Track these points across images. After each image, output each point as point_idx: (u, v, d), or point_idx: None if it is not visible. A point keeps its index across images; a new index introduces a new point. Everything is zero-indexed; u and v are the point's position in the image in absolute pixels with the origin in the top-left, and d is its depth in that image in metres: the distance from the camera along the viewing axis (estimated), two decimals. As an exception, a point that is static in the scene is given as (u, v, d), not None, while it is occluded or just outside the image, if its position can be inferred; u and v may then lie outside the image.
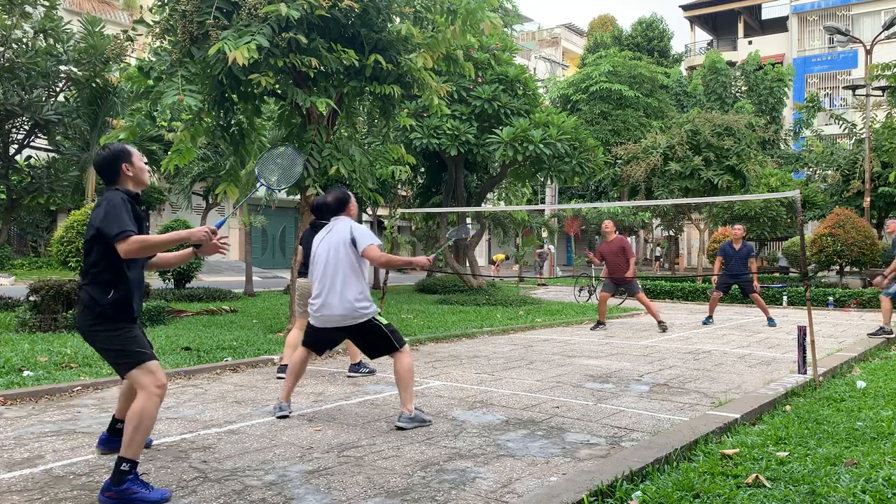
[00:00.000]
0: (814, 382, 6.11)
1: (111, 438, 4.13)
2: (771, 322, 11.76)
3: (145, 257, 3.74)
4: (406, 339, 8.98)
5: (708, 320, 12.18)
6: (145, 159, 16.63)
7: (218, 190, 10.62)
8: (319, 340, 5.15)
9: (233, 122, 9.43)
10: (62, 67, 12.56)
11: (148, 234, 3.62)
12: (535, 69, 46.50)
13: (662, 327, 11.13)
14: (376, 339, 4.98)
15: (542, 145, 14.32)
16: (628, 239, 15.24)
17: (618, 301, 16.90)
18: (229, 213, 3.70)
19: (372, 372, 6.85)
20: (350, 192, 5.29)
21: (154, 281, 16.80)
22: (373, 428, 4.76)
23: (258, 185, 4.79)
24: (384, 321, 5.01)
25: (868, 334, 9.94)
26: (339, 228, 5.06)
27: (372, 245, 4.94)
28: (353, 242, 4.95)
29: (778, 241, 31.87)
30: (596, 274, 19.40)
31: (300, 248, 6.99)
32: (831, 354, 7.86)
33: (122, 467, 3.39)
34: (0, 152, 12.74)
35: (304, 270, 6.59)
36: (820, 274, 19.78)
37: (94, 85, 12.57)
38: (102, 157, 3.75)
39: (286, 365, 6.42)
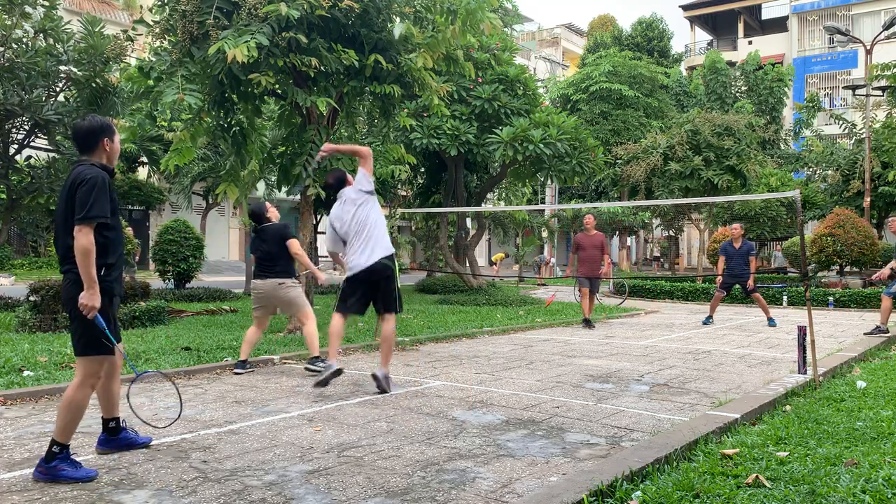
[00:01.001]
0: (814, 382, 6.11)
1: (109, 439, 4.14)
2: (771, 322, 11.77)
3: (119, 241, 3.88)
4: (406, 338, 9.03)
5: (708, 320, 12.17)
6: (144, 158, 16.59)
7: (218, 190, 10.62)
8: (357, 299, 5.94)
9: (233, 122, 9.43)
10: (62, 67, 12.54)
11: (118, 219, 3.84)
12: (535, 69, 46.51)
13: (588, 325, 11.48)
14: (392, 286, 5.90)
15: (542, 145, 14.32)
16: (629, 240, 15.21)
17: (618, 301, 16.91)
18: (113, 339, 3.35)
19: (333, 369, 6.95)
20: (341, 171, 6.31)
21: (154, 281, 16.80)
22: (373, 428, 4.76)
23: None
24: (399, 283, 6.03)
25: (864, 333, 9.95)
26: (348, 195, 6.01)
27: (360, 170, 5.98)
28: (359, 185, 5.94)
29: (778, 241, 31.88)
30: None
31: (252, 256, 7.24)
32: (831, 354, 7.86)
33: (52, 449, 3.66)
34: (0, 152, 12.74)
35: (257, 272, 7.03)
36: (820, 274, 19.78)
37: (94, 85, 12.56)
38: (87, 126, 3.82)
39: (245, 360, 6.87)
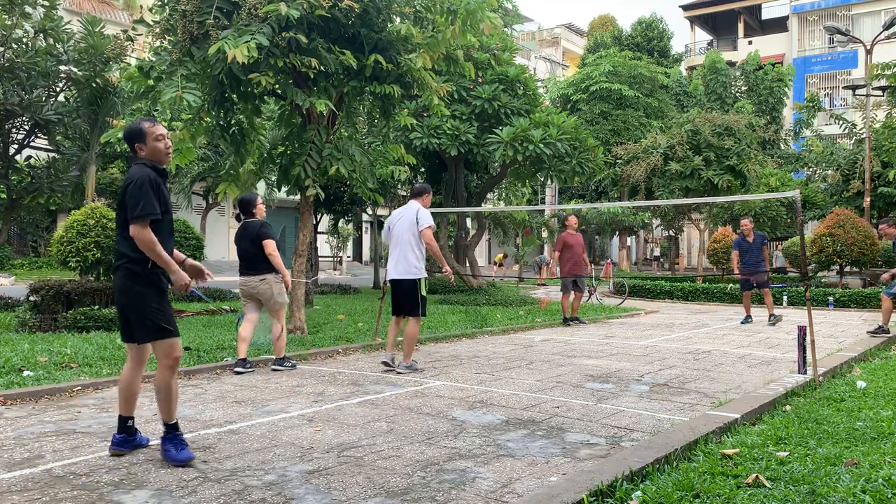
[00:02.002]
0: (814, 382, 6.11)
1: (127, 440, 4.12)
2: (772, 319, 11.91)
3: (168, 237, 4.03)
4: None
5: (747, 319, 12.35)
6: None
7: (218, 190, 10.61)
8: (396, 302, 7.03)
9: (233, 122, 9.43)
10: (62, 67, 12.54)
11: (169, 216, 4.06)
12: (535, 69, 46.50)
13: (566, 323, 11.95)
14: (410, 298, 6.85)
15: (542, 145, 14.32)
16: (628, 239, 15.30)
17: (618, 301, 16.91)
18: (211, 301, 4.02)
19: (294, 366, 7.16)
20: (428, 185, 7.22)
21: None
22: (373, 428, 4.76)
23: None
24: (424, 293, 6.88)
25: (868, 332, 9.96)
26: (409, 209, 6.91)
27: (426, 228, 6.82)
28: (417, 221, 6.82)
29: (778, 241, 31.87)
30: (596, 274, 19.39)
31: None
32: (831, 354, 7.86)
33: (165, 429, 4.00)
34: (0, 152, 12.74)
35: (240, 269, 7.08)
36: (820, 274, 19.77)
37: (94, 85, 12.56)
38: (125, 133, 4.10)
39: (244, 359, 6.91)
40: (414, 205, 6.95)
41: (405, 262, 6.81)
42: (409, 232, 6.83)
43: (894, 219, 10.12)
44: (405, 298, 6.92)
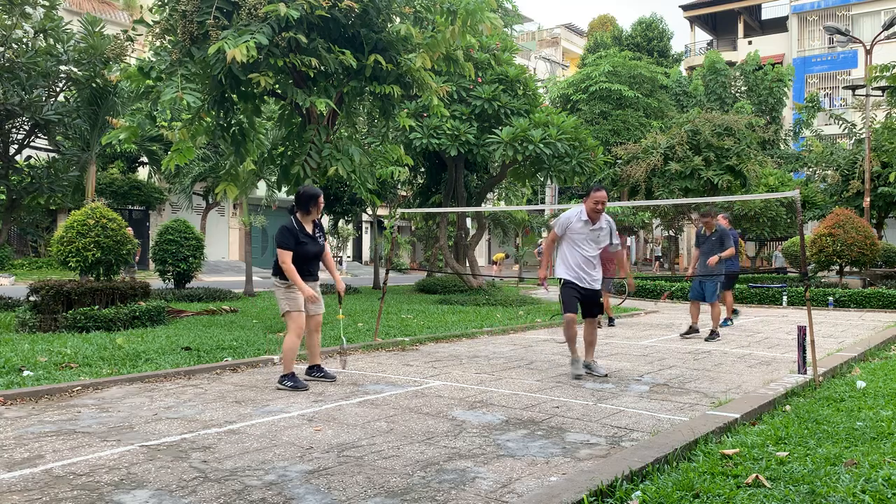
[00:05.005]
0: (814, 382, 6.11)
1: None
2: (726, 323, 11.42)
3: None
4: (406, 338, 9.02)
5: (735, 314, 12.26)
6: (144, 158, 16.59)
7: (217, 189, 10.63)
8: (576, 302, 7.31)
9: (233, 122, 9.43)
10: (62, 67, 12.55)
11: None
12: (535, 69, 46.49)
13: (611, 323, 11.94)
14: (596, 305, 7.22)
15: (542, 145, 14.32)
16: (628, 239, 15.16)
17: (617, 301, 16.90)
18: None
19: (303, 387, 6.13)
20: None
21: (154, 281, 16.79)
22: (373, 428, 4.76)
23: None
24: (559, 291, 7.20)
25: (681, 335, 10.05)
26: (606, 224, 7.15)
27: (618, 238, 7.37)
28: (615, 236, 7.25)
29: (778, 241, 31.85)
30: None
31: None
32: (831, 354, 7.86)
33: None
34: (0, 152, 12.74)
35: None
36: (820, 274, 19.77)
37: (94, 85, 12.56)
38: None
39: (316, 365, 6.54)
40: (608, 223, 7.25)
41: (598, 276, 7.21)
42: (599, 248, 7.33)
43: (712, 210, 10.00)
44: (594, 302, 7.29)
